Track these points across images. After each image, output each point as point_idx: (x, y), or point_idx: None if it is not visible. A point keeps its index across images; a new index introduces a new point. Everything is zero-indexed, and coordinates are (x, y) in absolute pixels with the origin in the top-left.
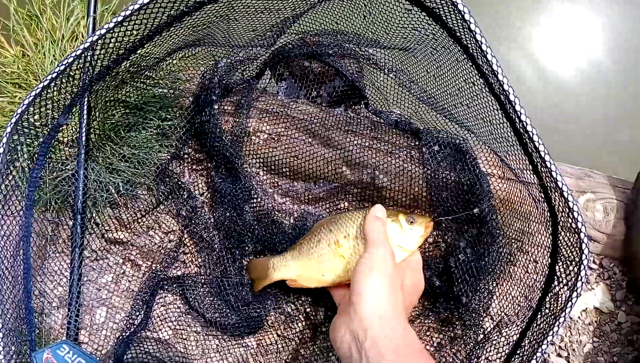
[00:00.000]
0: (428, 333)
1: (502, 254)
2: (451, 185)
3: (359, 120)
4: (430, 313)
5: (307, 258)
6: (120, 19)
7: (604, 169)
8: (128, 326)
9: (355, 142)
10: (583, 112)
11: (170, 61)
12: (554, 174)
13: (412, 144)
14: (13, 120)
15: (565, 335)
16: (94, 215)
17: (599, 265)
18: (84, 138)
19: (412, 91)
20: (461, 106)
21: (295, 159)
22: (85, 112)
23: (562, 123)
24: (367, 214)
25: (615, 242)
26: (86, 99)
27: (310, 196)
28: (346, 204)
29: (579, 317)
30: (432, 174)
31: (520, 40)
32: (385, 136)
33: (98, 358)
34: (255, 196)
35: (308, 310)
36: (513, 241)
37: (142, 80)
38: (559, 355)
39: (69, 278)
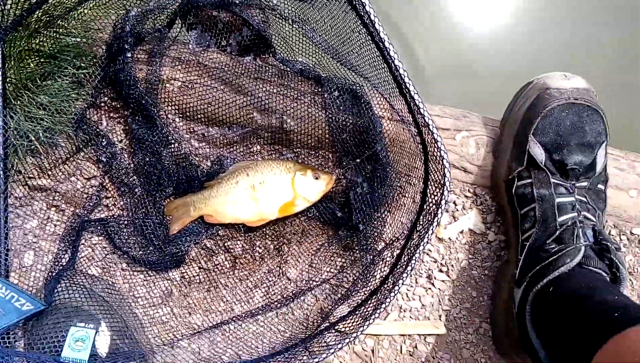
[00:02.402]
0: (332, 258)
1: (393, 186)
2: (350, 127)
3: (267, 68)
4: (333, 241)
5: (224, 197)
6: None
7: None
8: (56, 266)
9: (264, 89)
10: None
11: (82, 10)
12: (422, 111)
13: (316, 90)
14: None
15: (445, 254)
16: (16, 162)
17: (473, 193)
18: None
19: (314, 41)
20: (354, 54)
21: (209, 105)
22: None
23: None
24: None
25: (485, 172)
26: (0, 48)
27: (225, 141)
28: (258, 147)
29: (456, 238)
30: (333, 118)
31: None
32: (291, 83)
33: (30, 293)
34: (173, 141)
35: (227, 244)
36: (402, 175)
37: (55, 29)
38: (440, 271)
39: None
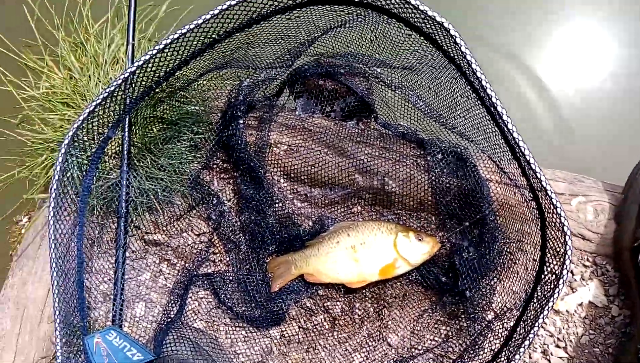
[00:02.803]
0: (436, 326)
1: (503, 252)
2: (454, 190)
3: (369, 132)
4: (437, 307)
5: (325, 257)
6: (162, 46)
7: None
8: (165, 318)
9: (366, 151)
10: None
11: (201, 81)
12: (538, 175)
13: (418, 153)
14: (70, 133)
15: (563, 328)
16: (134, 219)
17: (593, 262)
18: (126, 151)
19: (417, 106)
20: (459, 118)
21: (313, 167)
22: (127, 127)
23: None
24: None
25: (606, 241)
26: (127, 116)
27: (326, 201)
28: (359, 208)
29: (575, 311)
30: (436, 180)
31: (525, 58)
32: (393, 146)
33: (141, 344)
34: (277, 201)
35: (327, 304)
36: (513, 241)
37: (176, 98)
38: (557, 346)
39: (112, 275)
